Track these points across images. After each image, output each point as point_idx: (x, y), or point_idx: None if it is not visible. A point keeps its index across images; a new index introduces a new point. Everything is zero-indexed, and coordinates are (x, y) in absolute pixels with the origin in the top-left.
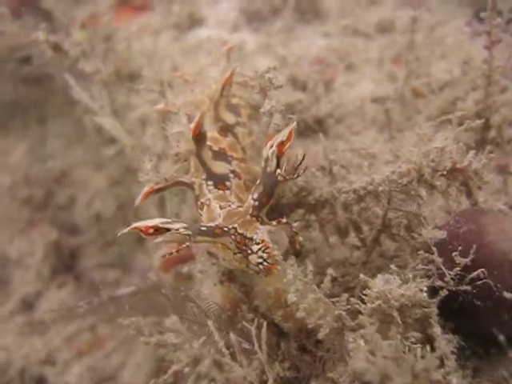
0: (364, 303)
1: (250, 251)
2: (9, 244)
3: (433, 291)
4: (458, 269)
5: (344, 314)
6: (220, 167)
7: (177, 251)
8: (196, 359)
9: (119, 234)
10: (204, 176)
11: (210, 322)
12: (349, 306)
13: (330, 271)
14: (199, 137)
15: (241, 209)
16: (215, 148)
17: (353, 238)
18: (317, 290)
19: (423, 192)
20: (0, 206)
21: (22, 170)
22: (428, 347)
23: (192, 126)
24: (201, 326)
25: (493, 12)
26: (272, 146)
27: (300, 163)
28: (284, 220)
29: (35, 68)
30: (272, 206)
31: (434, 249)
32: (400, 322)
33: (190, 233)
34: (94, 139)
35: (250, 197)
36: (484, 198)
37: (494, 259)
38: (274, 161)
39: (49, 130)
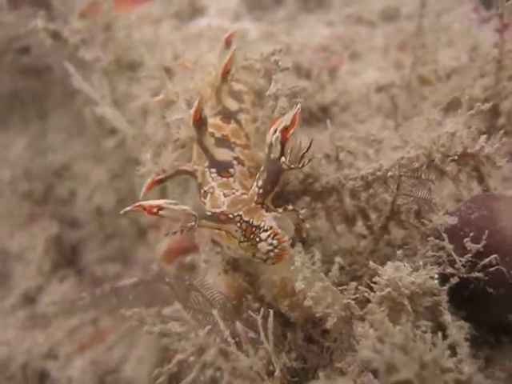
0: (373, 291)
1: (258, 239)
2: (9, 239)
3: (443, 279)
4: (470, 255)
5: (352, 302)
6: (223, 154)
7: (181, 231)
8: (201, 348)
9: (122, 212)
10: (207, 163)
11: (215, 311)
12: (357, 295)
13: (337, 259)
14: (200, 122)
15: (245, 196)
16: (218, 135)
17: (360, 227)
18: (325, 278)
19: (434, 176)
20: (0, 201)
21: (22, 164)
22: (440, 335)
23: (192, 111)
24: (205, 315)
25: None
26: (276, 132)
27: (306, 151)
28: (290, 207)
29: (34, 58)
30: (277, 193)
31: (445, 235)
32: (410, 310)
33: (195, 214)
34: (95, 131)
35: (255, 184)
36: (494, 185)
37: (507, 245)
38: (278, 147)
39: (48, 124)
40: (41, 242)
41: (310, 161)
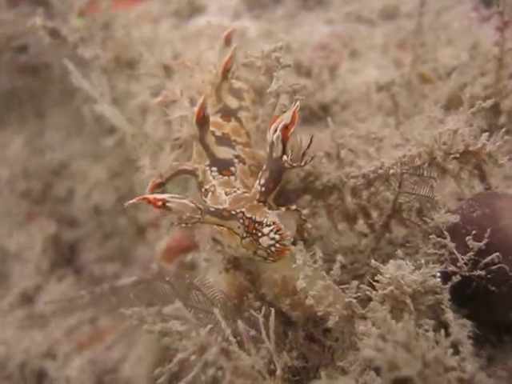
0: (375, 290)
1: (260, 234)
2: (8, 238)
3: (445, 277)
4: (472, 253)
5: (354, 301)
6: (224, 152)
7: (185, 223)
8: (202, 347)
9: (126, 205)
10: (208, 162)
11: (216, 310)
12: (359, 294)
13: (339, 257)
14: (203, 120)
15: (247, 194)
16: (218, 133)
17: (361, 225)
18: (326, 276)
19: (435, 174)
20: None
21: (20, 162)
22: (442, 333)
23: (195, 109)
24: (206, 314)
25: None
26: (276, 131)
27: (307, 148)
28: (294, 207)
29: (32, 57)
30: (279, 192)
31: (447, 233)
32: (413, 308)
33: (201, 207)
34: (93, 130)
35: (257, 182)
36: (495, 183)
37: (509, 243)
38: (280, 146)
39: (47, 122)
40: (39, 241)
41: (312, 159)
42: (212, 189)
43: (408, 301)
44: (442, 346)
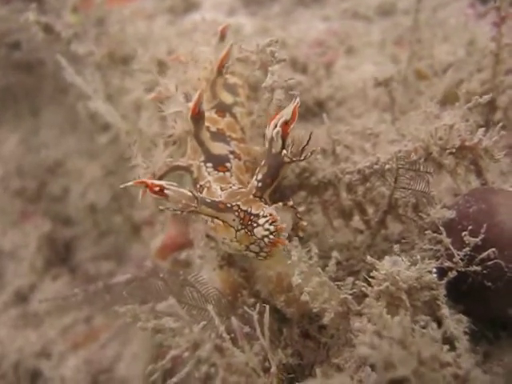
0: (370, 286)
1: (255, 224)
2: (2, 236)
3: (441, 272)
4: (468, 249)
5: (349, 297)
6: (219, 148)
7: (181, 212)
8: (196, 344)
9: (122, 186)
10: (203, 158)
11: (209, 307)
12: (354, 290)
13: (334, 254)
14: (198, 116)
15: (243, 190)
16: (213, 129)
17: (357, 221)
18: (321, 273)
19: (431, 169)
20: None
21: (14, 160)
22: (438, 329)
23: (191, 104)
24: (200, 311)
25: None
26: (276, 126)
27: (306, 144)
28: (290, 203)
29: (26, 53)
30: (274, 188)
31: (443, 229)
32: (408, 304)
33: (198, 196)
34: (88, 127)
35: (254, 178)
36: (491, 179)
37: (505, 239)
38: (279, 142)
39: (41, 120)
40: (33, 239)
41: (312, 153)
42: (207, 185)
43: (404, 297)
44: (437, 342)
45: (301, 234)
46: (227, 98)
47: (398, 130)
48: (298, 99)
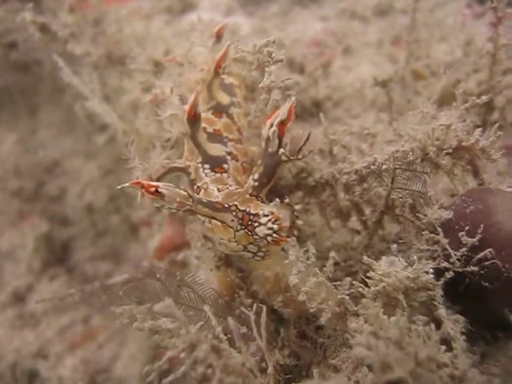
0: (367, 286)
1: (257, 224)
2: None
3: (438, 273)
4: (465, 249)
5: (347, 298)
6: (216, 149)
7: (177, 210)
8: (192, 345)
9: (119, 187)
10: (200, 159)
11: (206, 307)
12: (351, 291)
13: (332, 254)
14: (194, 118)
15: (240, 190)
16: (210, 130)
17: (354, 222)
18: (319, 273)
19: (428, 169)
20: None
21: (11, 160)
22: (435, 329)
23: (187, 106)
24: (197, 312)
25: None
26: (272, 126)
27: (304, 143)
28: (287, 200)
29: (22, 53)
30: (271, 189)
31: (440, 229)
32: (405, 305)
33: (193, 196)
34: (85, 127)
35: (251, 177)
36: (488, 179)
37: (502, 239)
38: (276, 141)
39: (39, 120)
40: (31, 239)
41: (309, 152)
42: (204, 186)
43: (400, 297)
44: (434, 343)
45: (296, 233)
46: (224, 99)
47: (396, 130)
48: (293, 98)
